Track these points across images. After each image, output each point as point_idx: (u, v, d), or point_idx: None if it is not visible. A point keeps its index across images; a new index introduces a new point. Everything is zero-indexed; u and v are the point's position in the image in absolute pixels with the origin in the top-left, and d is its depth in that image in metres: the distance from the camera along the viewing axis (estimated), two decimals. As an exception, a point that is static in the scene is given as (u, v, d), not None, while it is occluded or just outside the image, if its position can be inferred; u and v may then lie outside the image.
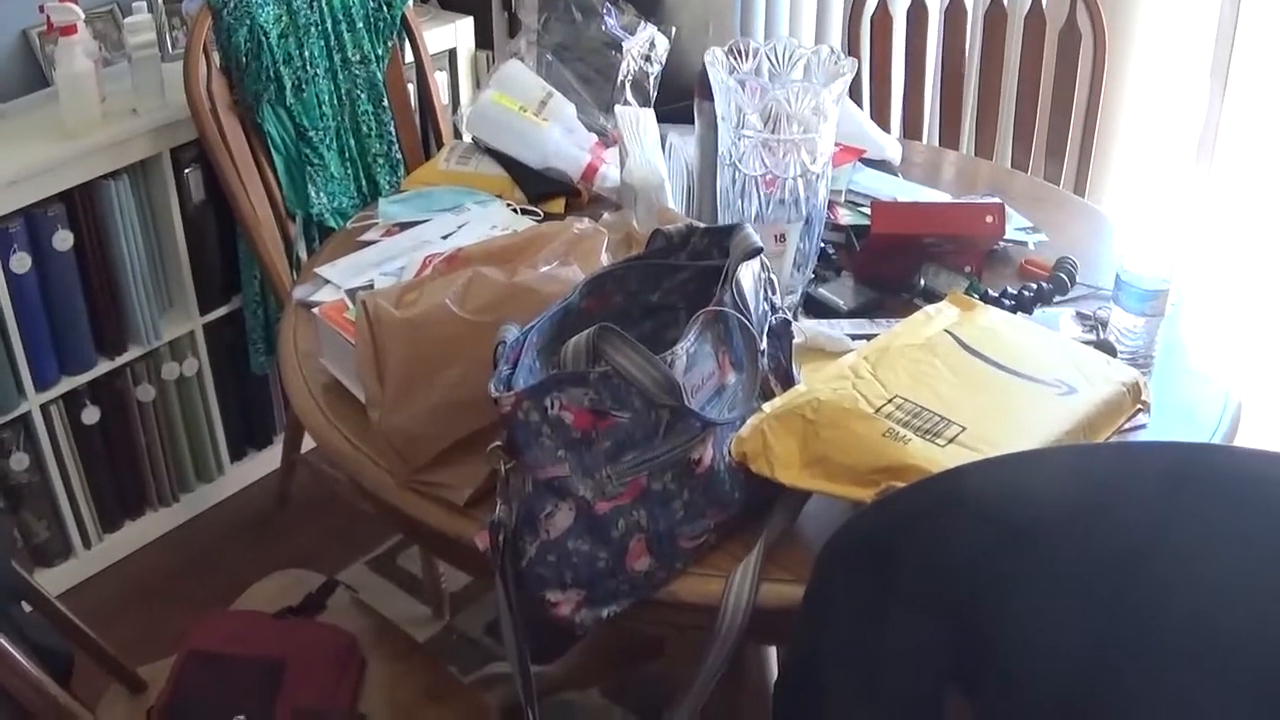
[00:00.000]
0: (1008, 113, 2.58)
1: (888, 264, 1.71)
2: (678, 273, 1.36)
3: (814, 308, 1.67)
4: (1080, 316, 1.63)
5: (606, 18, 2.11)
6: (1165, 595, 0.92)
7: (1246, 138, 2.64)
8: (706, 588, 1.24)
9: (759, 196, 1.59)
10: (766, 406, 1.27)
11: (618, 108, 1.87)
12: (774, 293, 1.35)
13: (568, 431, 1.16)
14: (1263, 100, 2.60)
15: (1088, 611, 0.94)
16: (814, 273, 1.70)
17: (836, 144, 1.99)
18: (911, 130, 2.62)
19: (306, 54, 2.37)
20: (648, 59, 2.04)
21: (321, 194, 2.42)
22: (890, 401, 1.26)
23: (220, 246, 2.54)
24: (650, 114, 1.86)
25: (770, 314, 1.34)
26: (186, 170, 2.42)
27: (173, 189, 2.41)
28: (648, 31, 2.12)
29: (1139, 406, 1.37)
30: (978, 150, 2.59)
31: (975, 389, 1.31)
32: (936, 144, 2.61)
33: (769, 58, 1.64)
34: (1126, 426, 1.37)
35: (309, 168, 2.40)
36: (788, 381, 1.36)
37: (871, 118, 2.39)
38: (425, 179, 2.02)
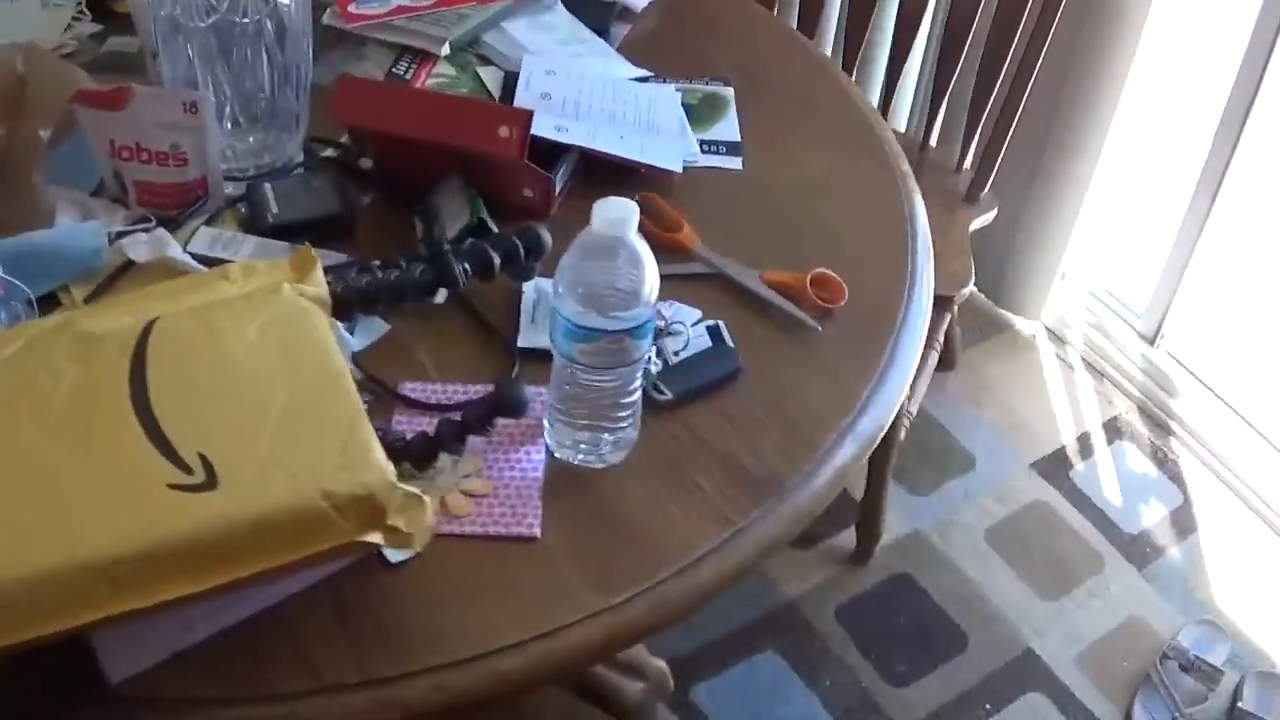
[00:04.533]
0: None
1: (410, 164, 1.28)
2: None
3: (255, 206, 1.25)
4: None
5: None
6: None
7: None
8: None
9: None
10: None
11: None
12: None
13: None
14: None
15: None
16: (313, 156, 1.32)
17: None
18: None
19: None
20: None
21: None
22: None
23: None
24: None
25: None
26: None
27: None
28: None
29: (374, 538, 0.87)
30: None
31: (75, 443, 0.87)
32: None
33: None
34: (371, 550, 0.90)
35: None
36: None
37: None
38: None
